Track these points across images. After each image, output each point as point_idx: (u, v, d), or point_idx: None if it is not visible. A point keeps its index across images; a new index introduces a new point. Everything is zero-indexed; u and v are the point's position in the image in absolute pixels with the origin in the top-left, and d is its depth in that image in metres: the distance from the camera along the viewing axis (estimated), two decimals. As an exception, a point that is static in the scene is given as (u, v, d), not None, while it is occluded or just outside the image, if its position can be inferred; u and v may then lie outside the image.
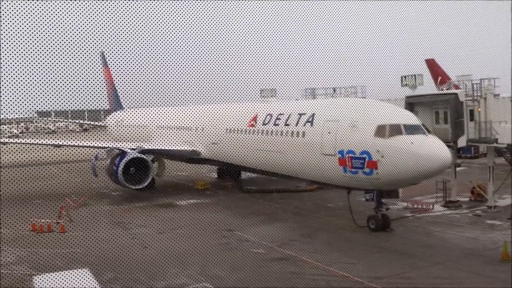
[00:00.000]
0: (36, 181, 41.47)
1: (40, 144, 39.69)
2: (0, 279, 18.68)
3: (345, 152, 23.24)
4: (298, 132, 26.87)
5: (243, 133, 32.26)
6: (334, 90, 47.76)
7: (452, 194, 30.05)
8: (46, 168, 48.54)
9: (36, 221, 26.63)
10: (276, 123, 29.31)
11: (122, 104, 60.44)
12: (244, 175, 43.40)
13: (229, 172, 41.12)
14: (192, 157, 37.90)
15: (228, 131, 34.33)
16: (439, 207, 29.35)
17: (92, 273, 15.65)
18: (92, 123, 70.76)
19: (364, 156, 22.44)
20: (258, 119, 31.40)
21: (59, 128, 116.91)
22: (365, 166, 22.37)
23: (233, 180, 40.35)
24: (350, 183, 23.68)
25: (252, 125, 31.58)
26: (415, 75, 49.12)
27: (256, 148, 30.52)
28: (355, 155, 22.77)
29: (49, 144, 37.97)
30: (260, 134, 30.48)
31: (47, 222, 26.61)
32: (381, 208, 24.26)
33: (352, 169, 22.98)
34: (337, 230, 24.68)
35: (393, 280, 17.72)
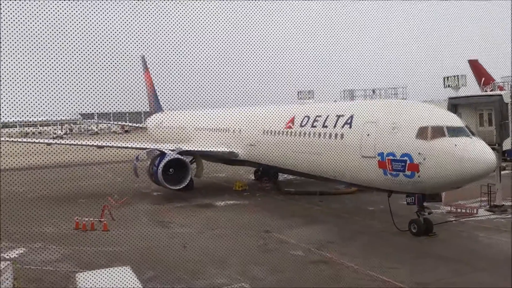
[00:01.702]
0: (80, 180, 42.74)
1: (84, 145, 40.86)
2: (45, 275, 19.28)
3: (385, 155, 22.81)
4: (336, 134, 26.60)
5: (281, 134, 32.21)
6: (374, 92, 47.01)
7: (497, 198, 29.01)
8: (90, 168, 49.93)
9: (80, 219, 27.36)
10: (314, 124, 29.13)
11: (162, 106, 61.55)
12: (282, 176, 43.29)
13: (267, 174, 41.10)
14: (229, 158, 38.10)
15: (265, 132, 34.35)
16: (483, 212, 28.39)
17: (133, 271, 15.90)
18: (133, 124, 72.29)
19: (405, 158, 21.96)
20: (295, 121, 31.30)
21: (102, 130, 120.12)
22: (406, 169, 21.89)
23: (271, 182, 40.32)
24: (391, 186, 23.22)
25: (290, 127, 31.49)
26: (458, 76, 47.79)
27: (294, 149, 30.40)
28: (396, 158, 22.32)
29: (92, 145, 39.01)
30: (297, 135, 30.36)
31: (91, 220, 27.29)
32: (423, 212, 23.67)
33: (393, 172, 22.53)
34: (378, 234, 24.24)
35: (436, 286, 17.23)
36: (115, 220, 28.73)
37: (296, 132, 30.66)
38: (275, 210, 30.50)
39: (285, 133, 31.81)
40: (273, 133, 33.38)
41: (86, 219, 27.41)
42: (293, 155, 30.52)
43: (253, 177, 44.39)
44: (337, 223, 26.69)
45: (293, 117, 31.78)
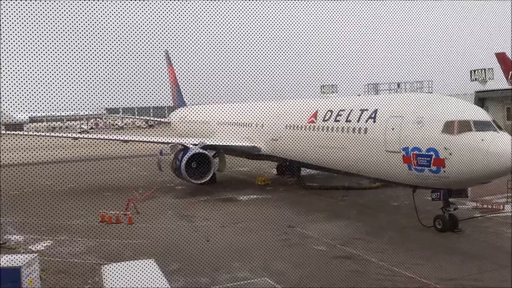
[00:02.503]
0: (106, 174, 43.36)
1: (109, 140, 41.42)
2: (71, 267, 19.65)
3: (410, 149, 22.48)
4: (360, 129, 26.33)
5: (304, 129, 32.07)
6: (399, 86, 46.37)
7: (526, 194, 28.32)
8: (115, 162, 50.61)
9: (105, 212, 27.77)
10: (337, 119, 28.91)
11: (185, 101, 61.97)
12: (304, 171, 43.16)
13: (289, 168, 41.00)
14: (252, 153, 38.14)
15: (288, 127, 34.25)
16: (510, 208, 27.76)
17: (158, 264, 16.07)
18: (157, 119, 72.98)
19: (431, 153, 21.60)
20: (318, 115, 31.10)
21: (127, 124, 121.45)
22: (432, 164, 21.53)
23: (293, 176, 40.21)
24: (416, 181, 22.89)
25: (313, 121, 31.32)
26: (485, 69, 46.69)
27: (317, 144, 30.24)
28: (421, 152, 21.97)
29: (117, 139, 39.51)
30: (320, 130, 30.18)
31: (116, 214, 27.69)
32: (448, 207, 23.27)
33: (418, 167, 22.19)
34: (402, 230, 23.94)
35: (460, 282, 16.93)
36: (140, 213, 29.07)
37: (319, 126, 30.49)
38: (298, 205, 30.43)
39: (308, 127, 31.67)
40: (296, 128, 33.25)
41: (112, 212, 27.80)
42: (316, 149, 30.35)
43: (275, 172, 44.38)
44: (361, 219, 26.46)
45: (316, 111, 31.58)
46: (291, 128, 33.85)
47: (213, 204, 31.72)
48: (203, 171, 34.18)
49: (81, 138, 42.32)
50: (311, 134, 31.05)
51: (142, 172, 45.81)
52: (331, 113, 29.86)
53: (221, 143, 38.68)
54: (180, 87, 62.89)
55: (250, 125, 40.03)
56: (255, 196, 33.77)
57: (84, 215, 28.65)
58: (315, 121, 31.11)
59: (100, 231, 25.21)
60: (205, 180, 33.99)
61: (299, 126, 32.78)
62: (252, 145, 37.74)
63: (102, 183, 38.23)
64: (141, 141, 39.18)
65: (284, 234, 23.78)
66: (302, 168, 41.64)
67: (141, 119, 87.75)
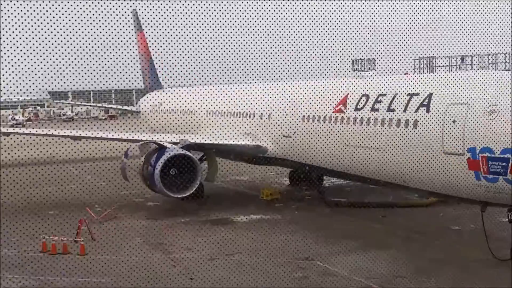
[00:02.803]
0: (49, 185, 43.31)
1: (54, 136, 41.47)
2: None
3: (478, 150, 22.43)
4: (407, 121, 26.32)
5: (328, 121, 32.09)
6: (462, 60, 46.28)
7: None
8: (61, 168, 50.59)
9: (48, 238, 27.80)
10: (375, 107, 28.93)
11: (161, 82, 62.00)
12: (328, 181, 42.99)
13: (307, 177, 41.00)
14: (255, 155, 38.21)
15: (306, 119, 34.25)
16: None
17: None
18: (121, 107, 73.12)
19: (507, 156, 21.55)
20: (349, 102, 31.11)
21: (79, 115, 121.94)
22: (509, 171, 21.49)
23: (312, 188, 40.16)
24: (486, 195, 22.83)
25: (340, 111, 31.32)
26: None
27: (346, 143, 30.25)
28: (495, 155, 21.91)
29: (65, 135, 39.53)
30: (351, 123, 30.22)
31: (63, 240, 27.70)
32: (533, 233, 23.20)
33: (489, 175, 22.14)
34: (467, 265, 23.90)
35: None
36: (96, 240, 29.07)
37: (349, 117, 30.50)
38: (319, 229, 30.42)
39: (334, 119, 31.68)
40: (316, 120, 33.25)
41: (57, 238, 27.82)
42: (344, 150, 30.33)
43: (287, 182, 44.26)
44: (407, 249, 26.42)
45: (346, 96, 31.59)
46: (310, 120, 33.84)
47: (199, 227, 31.74)
48: (185, 180, 34.19)
49: (13, 133, 42.35)
50: (338, 128, 31.06)
51: (99, 182, 45.86)
52: (367, 99, 29.84)
53: (211, 141, 38.71)
54: (155, 62, 62.97)
55: (252, 115, 40.04)
56: (258, 217, 33.80)
57: (19, 242, 28.67)
58: (344, 110, 31.08)
59: (41, 264, 25.22)
60: (189, 193, 34.03)
61: (322, 117, 32.76)
62: (255, 144, 37.75)
63: (44, 197, 38.16)
64: (98, 138, 39.16)
65: (299, 270, 23.76)
66: (324, 177, 41.57)
67: (99, 107, 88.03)
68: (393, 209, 34.15)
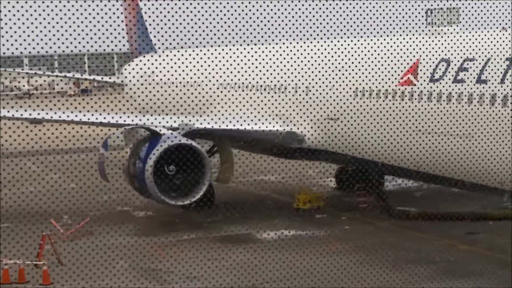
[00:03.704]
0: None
1: (4, 118, 41.78)
2: None
3: None
4: (505, 97, 26.14)
5: (391, 98, 32.07)
6: None
7: None
8: (15, 163, 50.85)
9: (-2, 262, 28.09)
10: (459, 77, 28.95)
11: (154, 42, 62.01)
12: (391, 183, 42.87)
13: (362, 177, 40.84)
14: (286, 146, 38.26)
15: (359, 94, 34.12)
16: None
17: None
18: (98, 78, 73.30)
19: None
20: (421, 70, 31.10)
21: (38, 89, 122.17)
22: None
23: (370, 193, 40.03)
24: None
25: (410, 82, 31.31)
26: None
27: (417, 128, 30.20)
28: None
29: (19, 118, 39.80)
30: (425, 100, 30.21)
31: (18, 264, 27.92)
32: None
33: None
34: None
35: None
36: (65, 264, 29.33)
37: (422, 92, 30.46)
38: (379, 250, 30.48)
39: (399, 94, 31.71)
40: (375, 95, 33.23)
41: (10, 261, 28.03)
42: (415, 139, 30.22)
43: (334, 184, 44.29)
44: (506, 279, 26.31)
45: (417, 62, 31.51)
46: (366, 95, 33.82)
47: (208, 248, 31.89)
48: (188, 181, 34.40)
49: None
50: (406, 107, 31.10)
51: (68, 184, 46.16)
52: (447, 66, 29.80)
53: (225, 126, 38.78)
54: (145, 14, 63.07)
55: (283, 88, 39.94)
56: (292, 233, 33.98)
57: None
58: (415, 81, 31.04)
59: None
60: (193, 199, 34.26)
61: (382, 91, 32.74)
62: (288, 129, 37.76)
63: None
64: (66, 121, 39.37)
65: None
66: (386, 177, 41.44)
67: (67, 78, 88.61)
68: (483, 222, 33.97)
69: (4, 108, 45.84)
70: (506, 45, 28.54)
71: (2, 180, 45.08)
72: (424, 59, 31.27)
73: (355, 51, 37.18)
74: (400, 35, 35.13)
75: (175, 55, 56.46)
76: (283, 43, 43.59)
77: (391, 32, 33.25)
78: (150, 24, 62.31)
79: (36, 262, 28.58)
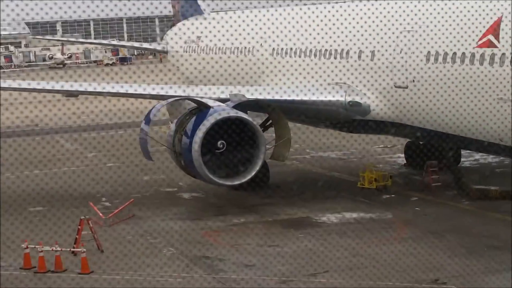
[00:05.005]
0: (28, 167, 44.07)
1: (35, 91, 42.12)
2: None
3: None
4: None
5: (469, 62, 31.59)
6: None
7: None
8: (48, 141, 51.29)
9: (32, 247, 28.14)
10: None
11: (201, 4, 61.90)
12: (469, 158, 42.48)
13: (435, 153, 40.51)
14: (348, 118, 38.14)
15: (431, 58, 33.66)
16: None
17: None
18: (138, 45, 73.60)
19: None
20: (503, 29, 30.62)
21: (73, 58, 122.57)
22: None
23: (444, 170, 39.68)
24: None
25: (490, 44, 30.91)
26: None
27: (498, 96, 29.84)
28: None
29: (53, 91, 40.07)
30: (507, 64, 29.72)
31: (55, 251, 28.00)
32: None
33: None
34: None
35: None
36: (106, 252, 29.45)
37: (504, 54, 30.03)
38: (454, 235, 30.22)
39: (478, 57, 31.25)
40: (450, 59, 32.73)
41: (46, 248, 28.10)
42: (497, 109, 29.90)
43: (402, 160, 44.21)
44: None
45: (498, 20, 31.07)
46: (440, 59, 33.31)
47: (263, 233, 31.88)
48: (240, 159, 34.47)
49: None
50: (486, 73, 30.69)
51: (107, 163, 46.48)
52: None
53: (280, 97, 38.61)
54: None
55: (345, 54, 39.64)
56: (355, 215, 33.91)
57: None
58: (496, 42, 30.69)
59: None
60: (246, 179, 34.26)
61: (458, 54, 32.24)
62: (351, 99, 37.60)
63: (23, 185, 38.96)
64: (104, 93, 39.52)
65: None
66: (463, 152, 41.06)
67: (104, 45, 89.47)
68: None
69: (34, 80, 46.21)
70: None
71: (36, 160, 45.85)
72: (506, 17, 30.74)
73: (427, 10, 36.72)
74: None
75: (223, 18, 56.43)
76: (344, 2, 43.30)
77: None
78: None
79: (73, 249, 28.67)
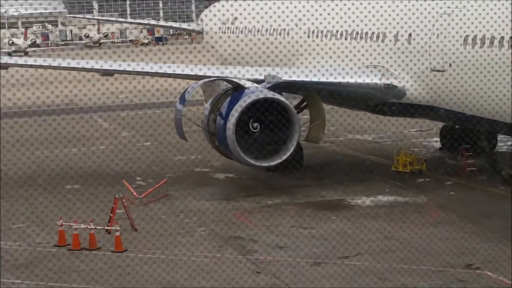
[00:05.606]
0: (64, 145, 44.33)
1: (70, 70, 42.35)
2: None
3: None
4: None
5: (507, 45, 31.43)
6: None
7: None
8: (84, 120, 51.54)
9: (67, 225, 28.59)
10: None
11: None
12: (506, 143, 42.33)
13: (471, 137, 40.36)
14: (385, 101, 38.12)
15: (470, 41, 33.52)
16: None
17: None
18: (175, 25, 73.66)
19: None
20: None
21: (109, 37, 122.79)
22: None
23: (480, 155, 39.54)
24: None
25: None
26: None
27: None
28: None
29: (89, 69, 40.30)
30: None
31: (89, 229, 28.36)
32: None
33: None
34: None
35: None
36: (139, 231, 29.84)
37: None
38: (489, 220, 30.13)
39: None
40: (488, 42, 32.63)
41: (80, 226, 28.51)
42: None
43: (437, 144, 44.12)
44: None
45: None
46: (478, 42, 33.15)
47: (296, 215, 31.95)
48: (275, 140, 34.56)
49: (11, 65, 43.29)
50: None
51: (141, 142, 46.70)
52: None
53: (315, 78, 38.62)
54: None
55: (381, 36, 39.52)
56: (389, 198, 33.93)
57: (23, 232, 29.69)
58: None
59: (55, 265, 26.03)
60: (280, 160, 34.39)
61: (498, 38, 32.15)
62: (386, 82, 37.60)
63: (58, 164, 39.19)
64: (139, 73, 39.69)
65: (457, 283, 23.71)
66: (500, 137, 40.90)
67: (141, 25, 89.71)
68: None
69: (72, 59, 46.43)
70: None
71: (71, 138, 46.21)
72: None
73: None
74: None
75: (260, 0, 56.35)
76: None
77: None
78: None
79: (107, 227, 29.06)
